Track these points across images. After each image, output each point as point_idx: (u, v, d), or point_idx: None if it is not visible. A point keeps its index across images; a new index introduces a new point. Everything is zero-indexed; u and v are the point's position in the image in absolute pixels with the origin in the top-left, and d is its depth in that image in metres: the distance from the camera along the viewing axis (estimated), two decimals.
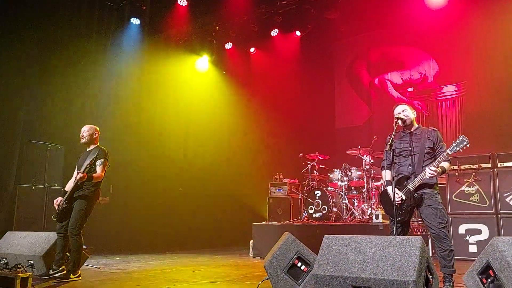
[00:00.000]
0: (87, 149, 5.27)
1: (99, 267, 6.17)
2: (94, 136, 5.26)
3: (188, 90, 11.06)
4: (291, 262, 4.14)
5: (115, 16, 9.54)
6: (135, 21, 9.81)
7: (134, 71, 9.99)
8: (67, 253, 5.09)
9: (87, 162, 4.92)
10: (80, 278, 5.02)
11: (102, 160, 5.05)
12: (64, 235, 5.01)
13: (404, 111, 4.29)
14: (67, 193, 5.02)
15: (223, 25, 10.52)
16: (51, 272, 4.95)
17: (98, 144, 5.31)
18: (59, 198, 5.10)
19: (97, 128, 5.33)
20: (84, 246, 5.15)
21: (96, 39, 9.30)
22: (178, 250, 9.12)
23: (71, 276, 4.91)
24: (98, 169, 5.02)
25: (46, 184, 7.85)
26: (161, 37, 10.44)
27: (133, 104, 9.92)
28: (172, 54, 10.59)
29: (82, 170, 4.82)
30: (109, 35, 9.69)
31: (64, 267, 5.01)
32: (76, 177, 4.95)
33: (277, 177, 9.18)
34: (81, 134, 5.25)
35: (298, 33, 10.64)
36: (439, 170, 3.97)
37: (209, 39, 10.83)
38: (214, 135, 11.11)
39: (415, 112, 4.38)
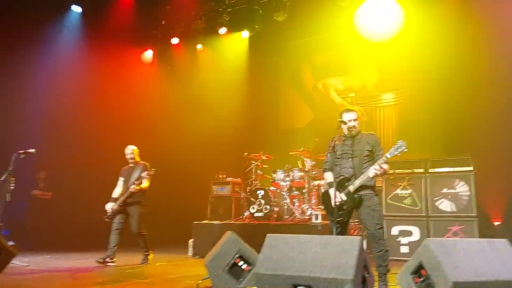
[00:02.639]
0: (131, 164, 6.56)
1: (29, 265, 5.79)
2: (137, 154, 6.61)
3: (131, 83, 10.67)
4: (232, 261, 4.12)
5: (53, 2, 8.97)
6: (76, 8, 9.32)
7: (73, 62, 9.46)
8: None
9: (136, 175, 6.39)
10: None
11: (148, 172, 6.34)
12: (119, 231, 6.33)
13: (356, 121, 4.42)
14: (121, 198, 6.35)
15: (169, 19, 10.29)
16: (107, 259, 6.15)
17: (139, 160, 6.61)
18: (110, 203, 6.36)
19: (135, 148, 6.65)
20: (11, 243, 4.87)
21: (32, 27, 8.69)
22: None
23: (149, 257, 6.58)
24: (145, 181, 6.36)
25: None
26: (103, 27, 9.98)
27: (70, 97, 9.38)
28: (115, 45, 10.15)
29: (137, 183, 6.26)
30: (46, 23, 9.10)
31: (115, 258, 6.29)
32: (128, 188, 6.33)
33: (220, 176, 9.11)
34: (129, 158, 6.55)
35: (246, 33, 10.63)
36: (381, 170, 4.13)
37: (154, 32, 10.55)
38: (156, 131, 10.79)
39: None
